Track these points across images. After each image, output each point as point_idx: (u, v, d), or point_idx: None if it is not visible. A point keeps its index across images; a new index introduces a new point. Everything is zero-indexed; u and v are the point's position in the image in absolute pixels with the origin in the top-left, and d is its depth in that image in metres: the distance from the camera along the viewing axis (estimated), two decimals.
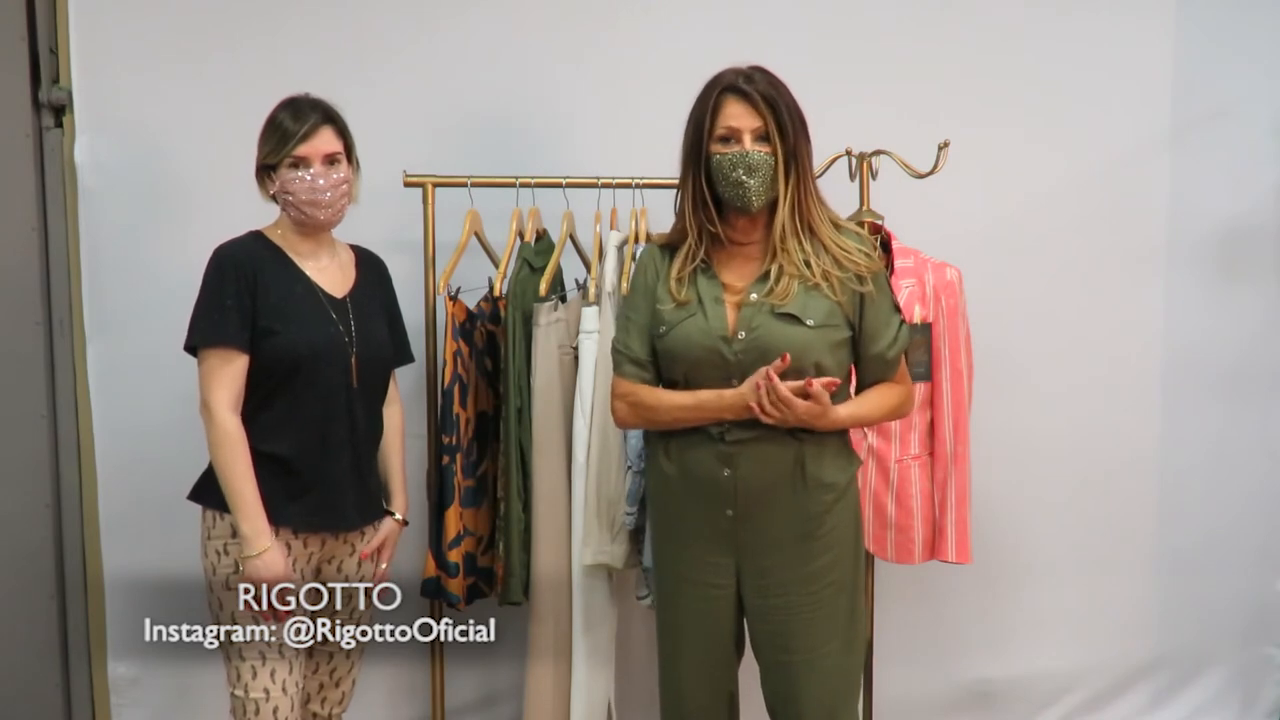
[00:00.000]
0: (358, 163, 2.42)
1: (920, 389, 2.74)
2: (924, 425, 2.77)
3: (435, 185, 2.79)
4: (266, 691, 2.28)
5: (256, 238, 2.38)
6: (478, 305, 2.81)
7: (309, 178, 2.31)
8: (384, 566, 2.47)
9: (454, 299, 2.73)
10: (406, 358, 2.57)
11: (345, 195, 2.37)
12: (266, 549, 2.23)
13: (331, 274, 2.41)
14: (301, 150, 2.30)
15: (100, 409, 3.07)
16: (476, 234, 2.83)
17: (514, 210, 2.78)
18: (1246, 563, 3.31)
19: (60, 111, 3.04)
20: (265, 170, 2.34)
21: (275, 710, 2.28)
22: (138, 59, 2.99)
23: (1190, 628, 3.31)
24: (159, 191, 2.93)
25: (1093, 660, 3.30)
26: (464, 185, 2.78)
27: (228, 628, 2.27)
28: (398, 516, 2.51)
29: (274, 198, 2.36)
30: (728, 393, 2.17)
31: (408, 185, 2.79)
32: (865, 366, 2.26)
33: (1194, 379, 3.24)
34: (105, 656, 3.16)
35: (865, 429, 2.71)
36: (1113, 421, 3.23)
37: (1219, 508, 3.28)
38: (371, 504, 2.45)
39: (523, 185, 2.78)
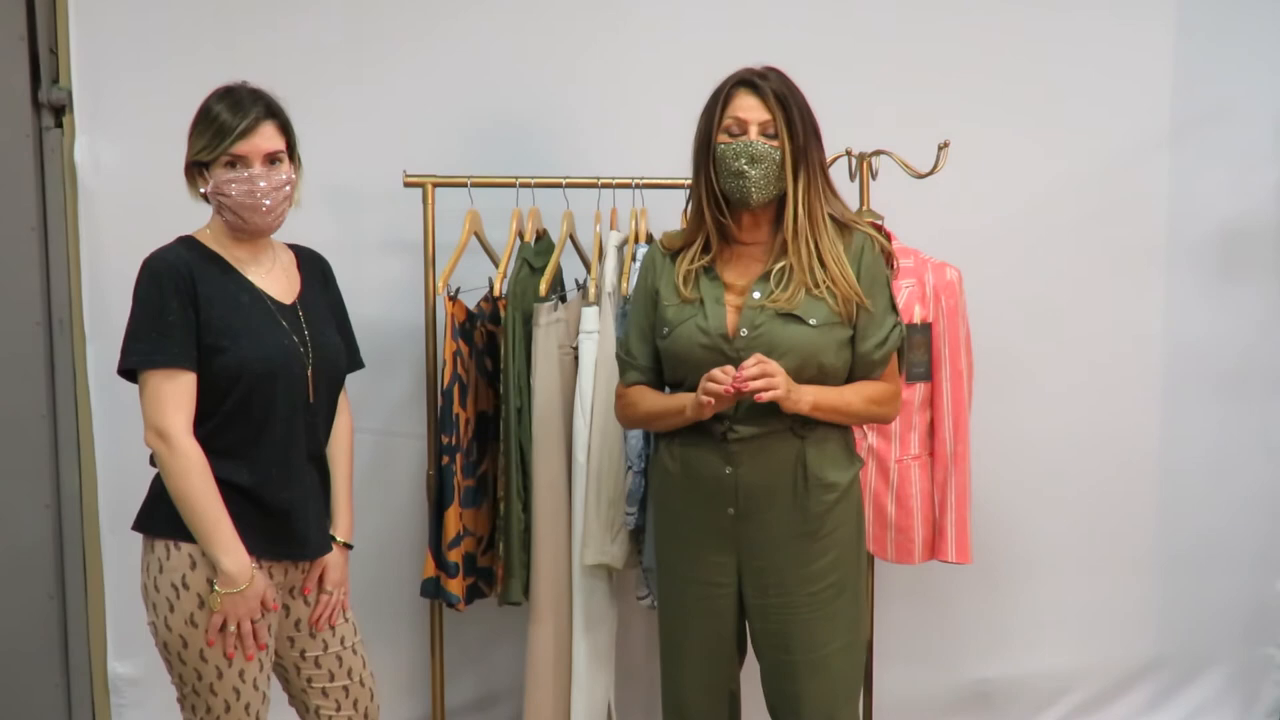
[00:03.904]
0: (300, 161, 2.20)
1: (920, 389, 2.74)
2: (924, 425, 2.76)
3: (435, 185, 2.79)
4: None
5: (190, 244, 2.15)
6: (478, 305, 2.81)
7: (247, 178, 2.09)
8: (329, 595, 2.25)
9: (454, 299, 2.72)
10: (357, 363, 2.36)
11: (288, 199, 2.15)
12: (251, 581, 2.06)
13: (277, 279, 2.20)
14: (240, 148, 2.08)
15: (100, 409, 3.07)
16: (476, 234, 2.83)
17: (514, 210, 2.78)
18: (1246, 563, 3.31)
19: (60, 111, 3.04)
20: (197, 167, 2.12)
21: None
22: (138, 59, 2.99)
23: (1190, 628, 3.31)
24: (159, 191, 2.92)
25: (1093, 660, 3.30)
26: (464, 185, 2.78)
27: (209, 666, 2.08)
28: (339, 540, 2.29)
29: (205, 198, 2.14)
30: (688, 399, 2.17)
31: (408, 185, 2.79)
32: (854, 364, 2.24)
33: (1194, 379, 3.24)
34: (105, 656, 3.16)
35: (865, 428, 2.71)
36: (1113, 421, 3.23)
37: (1219, 508, 3.28)
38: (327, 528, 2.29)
39: (523, 185, 2.78)
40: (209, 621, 2.07)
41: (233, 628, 2.07)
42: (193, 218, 2.21)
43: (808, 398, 2.14)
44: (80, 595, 3.14)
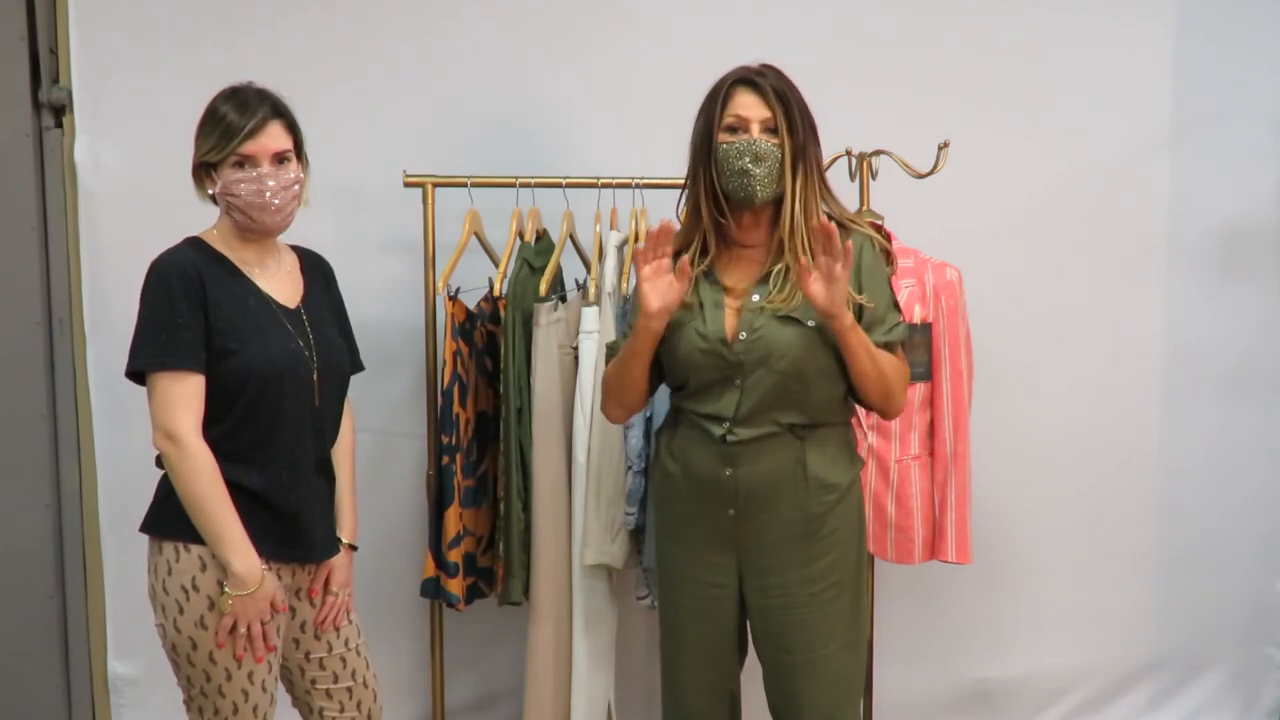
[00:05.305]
0: (307, 160, 2.21)
1: (920, 389, 2.74)
2: (924, 425, 2.76)
3: (435, 185, 2.79)
4: None
5: (197, 246, 2.15)
6: (478, 305, 2.81)
7: (256, 177, 2.09)
8: (335, 595, 2.26)
9: (454, 299, 2.72)
10: (358, 366, 2.36)
11: (296, 198, 2.16)
12: (261, 583, 2.06)
13: (281, 282, 2.20)
14: (248, 148, 2.08)
15: (100, 409, 3.07)
16: (476, 234, 2.83)
17: (514, 210, 2.78)
18: (1246, 563, 3.31)
19: (60, 111, 3.04)
20: (204, 168, 2.13)
21: None
22: (138, 59, 2.99)
23: (1190, 628, 3.31)
24: (159, 191, 2.92)
25: (1093, 660, 3.30)
26: (464, 185, 2.78)
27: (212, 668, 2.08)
28: (344, 541, 2.29)
29: (213, 199, 2.14)
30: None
31: (408, 185, 2.79)
32: None
33: (1194, 379, 3.24)
34: (105, 656, 3.16)
35: (865, 428, 2.71)
36: (1113, 421, 3.23)
37: (1219, 508, 3.28)
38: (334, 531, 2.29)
39: (523, 185, 2.78)
40: (219, 623, 2.07)
41: (243, 629, 2.07)
42: (193, 217, 2.21)
43: (849, 321, 2.10)
44: (80, 595, 3.14)
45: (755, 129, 2.14)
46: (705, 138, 2.18)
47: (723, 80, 2.18)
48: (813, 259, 2.13)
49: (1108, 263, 3.19)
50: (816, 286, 2.09)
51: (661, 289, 2.14)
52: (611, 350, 2.35)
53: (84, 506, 3.12)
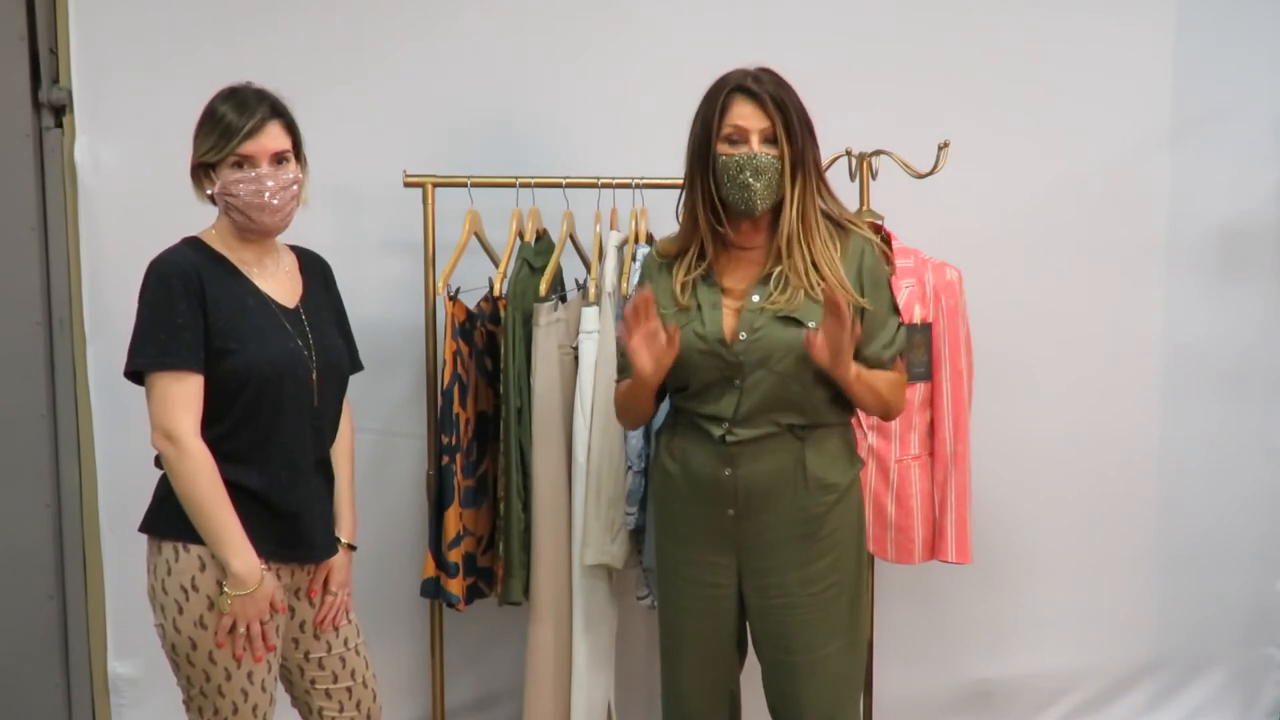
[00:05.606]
0: (306, 161, 2.20)
1: (920, 389, 2.74)
2: (924, 425, 2.76)
3: (435, 185, 2.79)
4: None
5: (196, 246, 2.15)
6: (478, 305, 2.81)
7: (255, 177, 2.09)
8: (334, 595, 2.27)
9: (454, 299, 2.72)
10: (356, 366, 2.36)
11: (295, 198, 2.16)
12: (260, 583, 2.06)
13: (280, 282, 2.20)
14: (247, 148, 2.08)
15: (100, 409, 3.07)
16: (476, 234, 2.83)
17: (514, 210, 2.78)
18: (1246, 563, 3.31)
19: (60, 111, 3.04)
20: (203, 168, 2.13)
21: None
22: (138, 59, 2.99)
23: (1190, 628, 3.31)
24: (159, 191, 2.92)
25: (1093, 660, 3.30)
26: (464, 185, 2.78)
27: (211, 668, 2.08)
28: (343, 541, 2.30)
29: (212, 199, 2.15)
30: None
31: (408, 185, 2.79)
32: (862, 365, 2.24)
33: (1194, 379, 3.24)
34: (105, 656, 3.16)
35: (865, 428, 2.71)
36: (1113, 421, 3.23)
37: (1219, 508, 3.28)
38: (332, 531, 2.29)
39: (523, 185, 2.78)
40: (218, 623, 2.07)
41: (242, 629, 2.07)
42: (193, 217, 2.21)
43: (853, 369, 2.14)
44: (80, 595, 3.14)
45: (755, 140, 2.13)
46: (703, 146, 2.17)
47: (719, 86, 2.17)
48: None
49: (1108, 263, 3.19)
50: (824, 354, 2.09)
51: (655, 353, 2.15)
52: (620, 368, 2.36)
53: (84, 506, 3.12)
